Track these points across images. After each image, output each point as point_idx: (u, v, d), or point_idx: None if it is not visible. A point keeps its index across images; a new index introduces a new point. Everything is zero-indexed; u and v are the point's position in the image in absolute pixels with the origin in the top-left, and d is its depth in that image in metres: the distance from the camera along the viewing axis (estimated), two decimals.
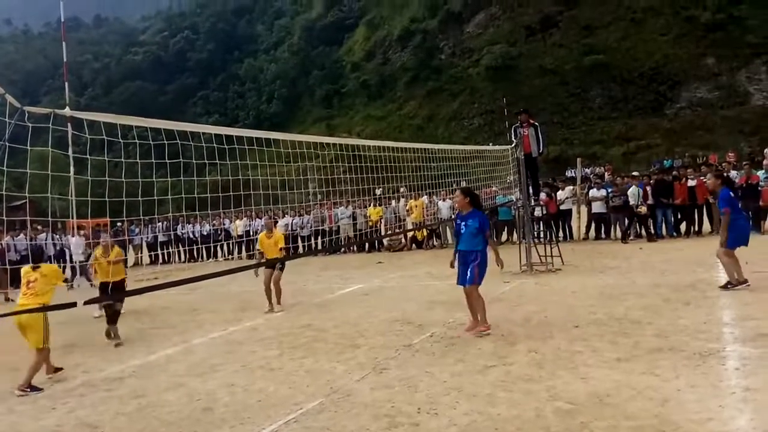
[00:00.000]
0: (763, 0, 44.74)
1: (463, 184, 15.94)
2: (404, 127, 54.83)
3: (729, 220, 8.73)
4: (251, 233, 20.92)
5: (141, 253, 22.44)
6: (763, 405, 4.40)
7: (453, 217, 18.05)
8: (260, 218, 21.17)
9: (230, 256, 22.25)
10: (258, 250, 10.29)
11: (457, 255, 7.53)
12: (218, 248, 21.98)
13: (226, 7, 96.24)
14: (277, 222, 11.39)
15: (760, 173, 16.09)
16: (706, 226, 16.18)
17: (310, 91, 71.80)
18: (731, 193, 9.00)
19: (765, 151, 34.79)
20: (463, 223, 7.41)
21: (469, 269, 7.26)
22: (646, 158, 39.12)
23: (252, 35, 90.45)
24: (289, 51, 78.53)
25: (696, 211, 16.10)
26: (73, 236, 15.27)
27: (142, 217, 5.32)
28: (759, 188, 15.28)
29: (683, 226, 16.28)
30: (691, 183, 15.85)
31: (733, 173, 16.28)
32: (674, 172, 18.76)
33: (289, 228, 19.10)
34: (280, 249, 10.14)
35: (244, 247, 21.57)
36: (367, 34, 70.98)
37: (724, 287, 8.63)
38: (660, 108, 45.00)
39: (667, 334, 6.49)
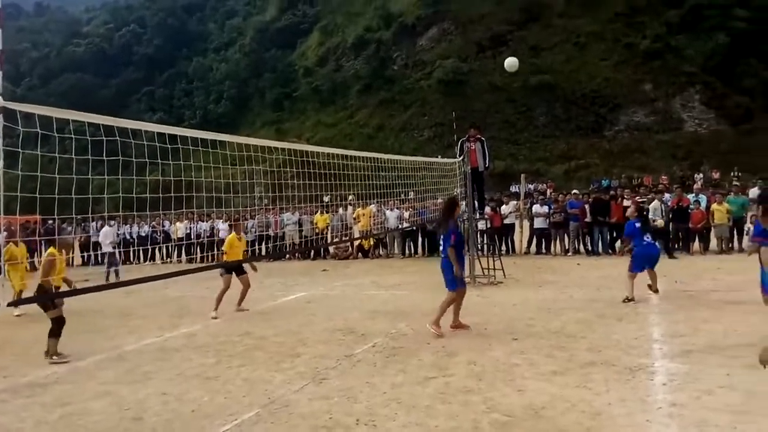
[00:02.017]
0: (698, 31, 47.08)
1: (411, 195, 16.10)
2: (355, 135, 54.82)
3: (631, 247, 9.88)
4: (192, 236, 20.47)
5: (73, 253, 21.57)
6: (687, 420, 4.55)
7: (399, 226, 18.24)
8: (203, 221, 20.76)
9: (169, 260, 21.52)
10: (222, 251, 10.31)
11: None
12: (156, 251, 21.27)
13: (176, 3, 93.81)
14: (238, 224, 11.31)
15: (691, 196, 16.79)
16: None
17: (261, 94, 70.81)
18: (636, 224, 9.76)
19: (696, 175, 36.71)
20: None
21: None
22: (585, 177, 40.26)
23: (202, 33, 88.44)
24: (240, 51, 77.14)
25: None
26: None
27: (75, 215, 5.08)
28: (689, 211, 15.91)
29: (618, 244, 16.79)
30: (627, 203, 16.35)
31: (666, 196, 16.90)
32: (611, 192, 19.38)
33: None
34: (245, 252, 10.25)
35: (184, 251, 21.04)
36: (321, 39, 70.71)
37: (624, 300, 9.36)
38: (600, 129, 46.52)
39: (600, 348, 6.69)
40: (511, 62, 14.40)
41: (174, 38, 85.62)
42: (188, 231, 20.72)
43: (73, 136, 4.67)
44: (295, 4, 78.32)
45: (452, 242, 7.84)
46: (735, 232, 15.70)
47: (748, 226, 14.79)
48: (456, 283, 7.91)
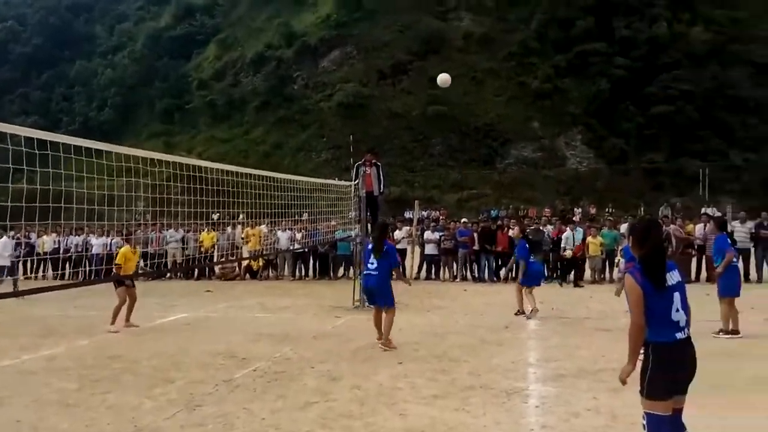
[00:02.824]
0: (582, 76, 50.44)
1: (306, 215, 15.94)
2: (250, 152, 53.66)
3: (525, 265, 10.98)
4: (60, 251, 19.10)
5: None
6: None
7: (291, 248, 17.95)
8: (75, 235, 19.39)
9: (33, 275, 19.73)
10: (116, 264, 9.91)
11: None
12: (18, 265, 19.39)
13: (61, 2, 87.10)
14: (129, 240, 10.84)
15: (568, 229, 17.79)
16: None
17: (150, 104, 67.07)
18: (526, 245, 11.19)
19: (575, 209, 39.07)
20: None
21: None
22: (476, 206, 41.61)
23: (89, 35, 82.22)
24: (129, 58, 72.33)
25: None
26: None
27: None
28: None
29: (503, 272, 17.40)
30: (512, 233, 17.04)
31: (549, 227, 17.79)
32: (498, 222, 20.16)
33: (107, 248, 17.51)
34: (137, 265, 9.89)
35: (50, 266, 19.47)
36: (218, 52, 68.55)
37: (517, 313, 10.76)
38: (491, 161, 48.46)
39: (481, 372, 6.88)
40: (443, 78, 14.81)
41: (56, 38, 79.20)
42: (57, 245, 19.28)
43: None
44: (192, 13, 75.11)
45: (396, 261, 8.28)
46: (607, 263, 16.77)
47: (618, 259, 15.82)
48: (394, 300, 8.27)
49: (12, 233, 16.20)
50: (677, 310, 3.66)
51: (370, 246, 8.57)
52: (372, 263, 8.31)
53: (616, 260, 16.06)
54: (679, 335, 3.64)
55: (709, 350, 7.41)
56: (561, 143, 48.69)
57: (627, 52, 50.35)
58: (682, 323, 3.67)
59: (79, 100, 71.43)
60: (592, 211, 38.14)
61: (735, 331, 8.65)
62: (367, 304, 8.56)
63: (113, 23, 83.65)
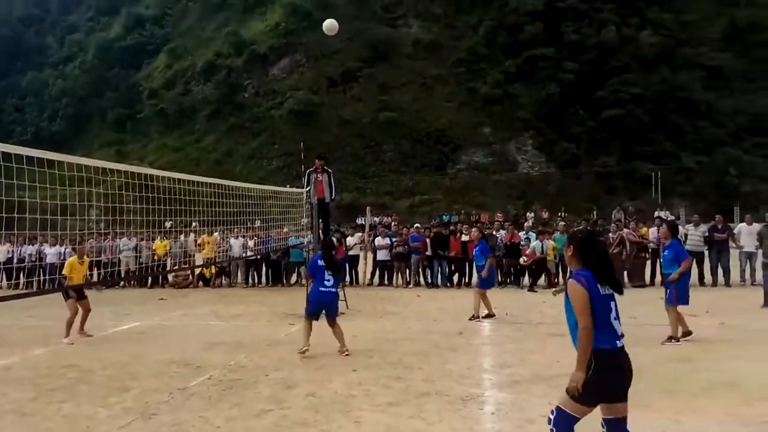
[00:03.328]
0: (532, 81, 51.22)
1: (258, 223, 15.91)
2: (201, 160, 52.99)
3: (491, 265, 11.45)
4: (14, 260, 18.62)
5: None
6: None
7: (243, 255, 17.85)
8: (30, 244, 19.00)
9: None
10: (62, 275, 9.82)
11: None
12: None
13: (12, 14, 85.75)
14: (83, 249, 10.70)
15: (522, 233, 18.20)
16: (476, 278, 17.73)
17: (101, 114, 66.24)
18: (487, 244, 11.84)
19: (528, 214, 39.75)
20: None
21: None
22: (428, 212, 41.91)
23: (40, 47, 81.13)
24: (80, 68, 71.74)
25: (468, 263, 17.09)
26: None
27: None
28: (520, 247, 17.16)
29: (456, 277, 17.60)
30: (465, 238, 17.25)
31: (501, 232, 18.09)
32: (451, 227, 20.39)
33: (62, 257, 17.20)
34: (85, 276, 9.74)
35: (4, 276, 19.02)
36: (168, 62, 67.82)
37: (471, 318, 10.96)
38: (443, 167, 48.88)
39: (435, 378, 6.91)
40: (330, 25, 11.47)
41: (7, 50, 77.94)
42: (10, 255, 18.84)
43: None
44: (142, 23, 74.83)
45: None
46: (560, 267, 17.09)
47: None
48: None
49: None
50: (615, 318, 3.79)
51: (319, 261, 8.51)
52: (328, 280, 8.35)
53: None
54: (619, 343, 3.76)
55: (666, 354, 7.79)
56: (512, 148, 49.35)
57: (576, 57, 51.29)
58: (619, 331, 3.80)
59: (31, 111, 70.57)
60: (545, 215, 38.25)
61: (688, 332, 8.63)
62: (306, 315, 8.44)
63: (64, 34, 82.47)
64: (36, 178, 5.78)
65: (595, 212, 37.48)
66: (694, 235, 15.68)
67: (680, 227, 14.34)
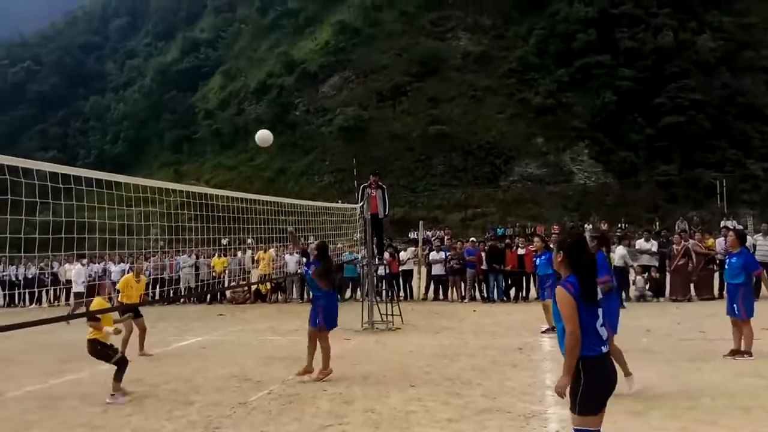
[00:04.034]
0: (586, 89, 50.29)
1: (312, 239, 16.09)
2: (255, 178, 54.24)
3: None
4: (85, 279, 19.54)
5: None
6: None
7: (298, 271, 18.06)
8: (96, 263, 19.72)
9: (56, 303, 20.35)
10: (117, 290, 9.92)
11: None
12: (43, 293, 19.94)
13: (74, 42, 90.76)
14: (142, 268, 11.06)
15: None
16: (533, 292, 17.41)
17: (160, 135, 69.13)
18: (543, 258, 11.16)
19: (585, 225, 38.65)
20: (308, 270, 8.22)
21: (314, 311, 8.05)
22: (481, 225, 41.46)
23: (101, 73, 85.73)
24: (140, 92, 75.37)
25: (524, 277, 16.98)
26: None
27: None
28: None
29: (513, 291, 17.31)
30: (521, 251, 16.99)
31: None
32: (506, 240, 20.10)
33: (125, 274, 17.89)
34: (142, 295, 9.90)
35: (73, 294, 19.93)
36: (222, 83, 70.15)
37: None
38: (495, 179, 48.40)
39: (495, 395, 6.75)
40: (263, 136, 9.93)
41: (70, 76, 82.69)
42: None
43: None
44: (197, 47, 78.03)
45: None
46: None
47: (633, 277, 15.64)
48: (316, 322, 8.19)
49: (85, 261, 17.24)
50: (602, 325, 3.80)
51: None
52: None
53: (630, 278, 15.61)
54: (604, 348, 3.79)
55: (738, 370, 7.37)
56: (566, 158, 48.46)
57: (632, 63, 50.17)
58: (605, 337, 3.81)
59: (94, 134, 74.26)
60: (604, 226, 37.26)
61: (737, 351, 8.22)
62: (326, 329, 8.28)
63: (123, 60, 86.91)
64: (102, 199, 6.01)
65: (657, 223, 36.04)
66: (763, 245, 14.90)
67: (748, 237, 13.70)
